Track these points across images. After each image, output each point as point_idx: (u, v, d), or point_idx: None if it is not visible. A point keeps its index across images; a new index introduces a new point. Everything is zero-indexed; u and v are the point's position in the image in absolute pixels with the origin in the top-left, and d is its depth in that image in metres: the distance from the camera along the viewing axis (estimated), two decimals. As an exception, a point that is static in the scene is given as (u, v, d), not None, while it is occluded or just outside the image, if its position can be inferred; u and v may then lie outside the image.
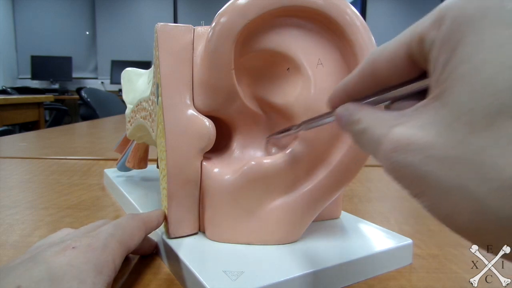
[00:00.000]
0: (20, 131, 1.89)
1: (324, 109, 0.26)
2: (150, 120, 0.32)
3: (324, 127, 0.26)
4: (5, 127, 1.70)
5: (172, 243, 0.27)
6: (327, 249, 0.27)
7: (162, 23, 0.28)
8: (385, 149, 0.13)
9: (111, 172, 0.49)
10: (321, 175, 0.27)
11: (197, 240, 0.28)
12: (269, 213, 0.27)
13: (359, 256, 0.26)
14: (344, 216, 0.34)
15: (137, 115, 0.37)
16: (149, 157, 0.45)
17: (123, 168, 0.46)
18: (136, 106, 0.37)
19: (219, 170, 0.28)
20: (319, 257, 0.25)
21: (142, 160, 0.44)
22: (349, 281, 0.25)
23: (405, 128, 0.13)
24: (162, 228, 0.29)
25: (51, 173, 0.56)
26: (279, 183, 0.27)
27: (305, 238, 0.28)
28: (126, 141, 0.47)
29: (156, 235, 0.29)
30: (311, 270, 0.24)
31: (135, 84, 0.41)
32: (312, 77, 0.26)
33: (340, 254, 0.26)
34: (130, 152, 0.44)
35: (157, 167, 0.46)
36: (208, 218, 0.28)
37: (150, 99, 0.32)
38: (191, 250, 0.26)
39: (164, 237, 0.28)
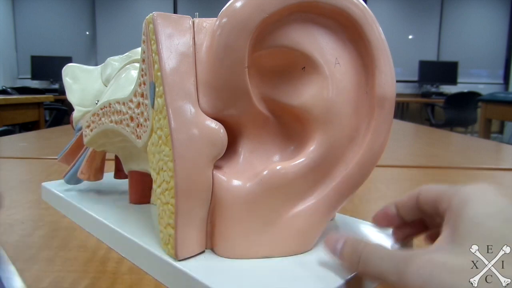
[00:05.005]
0: (20, 131, 1.89)
1: (344, 110, 0.25)
2: (133, 124, 0.29)
3: (342, 128, 0.25)
4: (5, 127, 1.70)
5: (183, 265, 0.24)
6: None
7: (159, 12, 0.24)
8: (418, 269, 0.18)
9: (55, 186, 0.42)
10: (337, 178, 0.25)
11: (209, 258, 0.25)
12: (287, 222, 0.25)
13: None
14: (344, 216, 0.34)
15: (102, 119, 0.32)
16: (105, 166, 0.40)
17: (74, 180, 0.40)
18: (101, 109, 0.32)
19: (231, 179, 0.25)
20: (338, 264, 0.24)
21: (99, 171, 0.39)
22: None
23: (437, 255, 0.19)
24: (163, 248, 0.26)
25: (51, 173, 0.56)
26: (298, 189, 0.25)
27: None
28: (75, 150, 0.41)
29: (158, 260, 0.26)
30: (345, 279, 0.22)
31: (85, 83, 0.36)
32: (330, 76, 0.24)
33: None
34: (84, 162, 0.38)
35: (114, 176, 0.41)
36: (220, 232, 0.26)
37: (133, 101, 0.28)
38: (209, 271, 0.23)
39: (170, 260, 0.25)
